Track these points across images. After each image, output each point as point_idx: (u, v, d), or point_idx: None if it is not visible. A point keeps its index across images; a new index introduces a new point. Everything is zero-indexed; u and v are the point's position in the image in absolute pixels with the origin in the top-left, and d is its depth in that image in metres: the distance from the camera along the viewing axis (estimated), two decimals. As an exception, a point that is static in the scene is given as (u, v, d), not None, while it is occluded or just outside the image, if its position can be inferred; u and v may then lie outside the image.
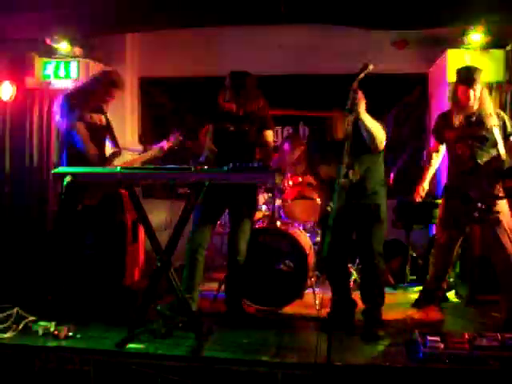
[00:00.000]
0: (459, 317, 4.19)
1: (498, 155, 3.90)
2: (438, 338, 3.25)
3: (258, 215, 4.80)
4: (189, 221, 3.75)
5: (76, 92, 4.21)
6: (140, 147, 4.92)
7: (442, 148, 4.31)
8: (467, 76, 3.94)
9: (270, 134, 4.10)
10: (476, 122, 3.95)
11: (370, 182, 3.73)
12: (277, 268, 4.34)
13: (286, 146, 5.08)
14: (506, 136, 3.96)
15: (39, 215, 5.29)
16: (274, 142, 4.49)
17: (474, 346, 3.18)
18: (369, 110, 3.49)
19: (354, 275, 4.85)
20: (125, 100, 5.95)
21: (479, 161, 3.90)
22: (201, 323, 3.64)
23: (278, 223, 4.59)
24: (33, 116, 5.30)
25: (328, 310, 3.89)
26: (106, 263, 4.37)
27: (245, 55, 5.76)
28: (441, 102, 5.32)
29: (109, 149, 4.35)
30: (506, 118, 4.02)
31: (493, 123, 3.91)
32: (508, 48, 4.90)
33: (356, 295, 3.98)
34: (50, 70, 5.24)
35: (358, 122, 3.41)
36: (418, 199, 4.40)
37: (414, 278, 5.09)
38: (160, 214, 5.75)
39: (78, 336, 3.62)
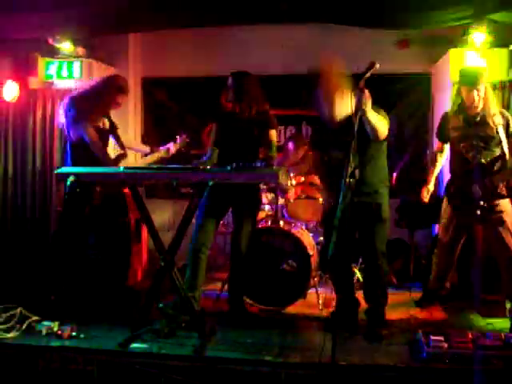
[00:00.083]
0: (463, 316, 4.19)
1: (503, 154, 3.90)
2: (441, 338, 3.25)
3: (261, 215, 4.81)
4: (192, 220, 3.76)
5: (84, 97, 4.19)
6: (143, 147, 4.93)
7: (446, 148, 4.30)
8: (470, 77, 3.93)
9: (273, 134, 4.10)
10: (480, 122, 3.95)
11: (370, 176, 3.66)
12: (280, 268, 4.34)
13: (290, 145, 5.09)
14: (509, 135, 3.95)
15: (42, 215, 5.29)
16: (278, 141, 4.50)
17: (478, 346, 3.17)
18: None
19: (357, 274, 4.85)
20: (127, 100, 5.94)
21: (483, 160, 3.90)
22: (204, 323, 3.64)
23: (281, 223, 4.59)
24: (36, 116, 5.31)
25: (331, 309, 3.89)
26: (109, 263, 4.38)
27: (246, 55, 5.76)
28: (443, 102, 5.31)
29: (113, 150, 4.37)
30: (510, 117, 4.02)
31: (497, 122, 3.91)
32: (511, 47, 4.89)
33: (359, 295, 3.98)
34: (52, 70, 5.24)
35: (362, 119, 3.39)
36: (425, 200, 4.40)
37: (418, 277, 5.08)
38: (163, 214, 5.76)
39: (82, 336, 3.62)
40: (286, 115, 5.87)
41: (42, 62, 5.21)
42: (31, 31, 4.81)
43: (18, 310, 3.90)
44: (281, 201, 4.77)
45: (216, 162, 4.01)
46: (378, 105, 3.54)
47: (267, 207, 5.00)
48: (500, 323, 3.94)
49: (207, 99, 5.22)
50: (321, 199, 4.73)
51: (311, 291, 4.45)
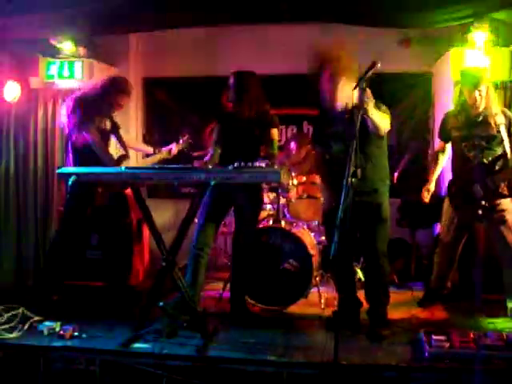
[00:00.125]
0: (464, 316, 4.18)
1: (504, 154, 3.90)
2: (443, 338, 3.25)
3: (263, 214, 4.80)
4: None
5: (88, 99, 4.19)
6: (145, 146, 4.93)
7: (448, 147, 4.30)
8: (472, 77, 3.93)
9: (274, 132, 4.09)
10: (482, 122, 3.95)
11: (370, 174, 3.62)
12: (281, 267, 4.34)
13: (292, 144, 5.08)
14: (511, 134, 3.95)
15: (44, 215, 5.29)
16: (279, 141, 4.49)
17: (480, 346, 3.17)
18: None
19: (359, 273, 4.84)
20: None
21: (485, 160, 3.91)
22: (205, 323, 3.64)
23: (283, 222, 4.59)
24: (37, 116, 5.31)
25: (333, 308, 3.89)
26: (111, 263, 4.38)
27: (246, 55, 5.75)
28: (444, 101, 5.30)
29: (115, 150, 4.37)
30: (512, 116, 4.02)
31: (499, 122, 3.91)
32: (512, 46, 4.89)
33: (361, 294, 3.98)
34: (54, 70, 5.22)
35: (363, 118, 3.38)
36: (425, 201, 4.40)
37: (419, 277, 5.08)
38: (164, 214, 5.76)
39: (84, 336, 3.62)
40: (286, 114, 5.87)
41: (43, 62, 5.20)
42: (32, 31, 4.81)
43: (20, 309, 3.92)
44: (282, 200, 4.77)
45: (218, 162, 4.02)
46: (379, 100, 3.54)
47: (269, 207, 5.00)
48: (502, 323, 3.94)
49: (208, 99, 5.22)
50: (322, 198, 4.72)
51: (313, 291, 4.45)
